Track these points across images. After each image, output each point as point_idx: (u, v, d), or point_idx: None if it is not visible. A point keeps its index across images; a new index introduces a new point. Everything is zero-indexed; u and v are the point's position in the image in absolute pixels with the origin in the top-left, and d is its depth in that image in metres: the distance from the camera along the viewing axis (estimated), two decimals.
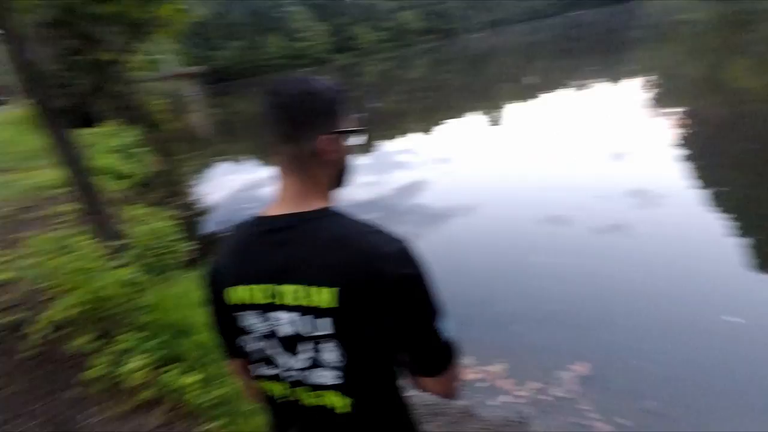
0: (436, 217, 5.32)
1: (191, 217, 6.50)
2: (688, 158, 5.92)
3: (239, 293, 0.86)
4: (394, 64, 32.57)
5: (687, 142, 6.64)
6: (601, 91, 11.91)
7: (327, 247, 0.81)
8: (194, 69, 39.25)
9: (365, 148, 8.65)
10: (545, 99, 12.00)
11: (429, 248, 4.52)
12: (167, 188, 8.26)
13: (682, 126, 7.52)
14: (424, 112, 13.31)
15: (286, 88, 0.86)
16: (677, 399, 2.38)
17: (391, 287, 0.78)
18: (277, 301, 0.82)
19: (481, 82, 17.86)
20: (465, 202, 5.54)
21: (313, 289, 0.80)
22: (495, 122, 10.47)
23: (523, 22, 59.17)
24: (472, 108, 12.24)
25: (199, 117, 22.67)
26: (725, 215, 4.23)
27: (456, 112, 12.04)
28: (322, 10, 49.05)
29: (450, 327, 0.86)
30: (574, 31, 34.48)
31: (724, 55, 13.87)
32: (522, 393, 2.56)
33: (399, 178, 6.96)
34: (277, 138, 0.86)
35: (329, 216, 0.85)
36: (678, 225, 4.23)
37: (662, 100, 9.89)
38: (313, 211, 0.85)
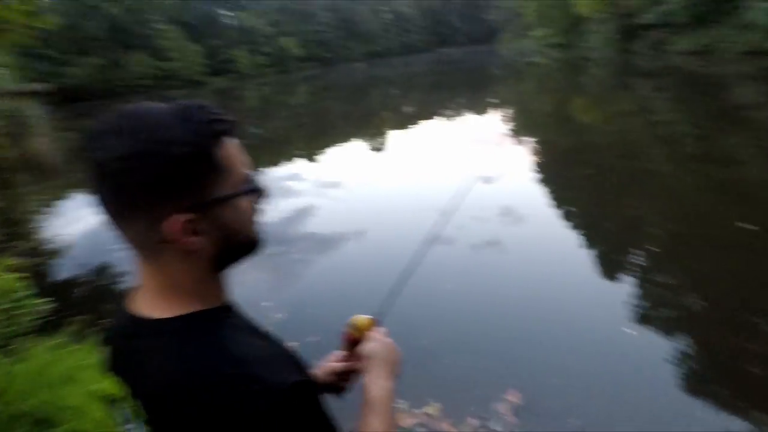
0: (326, 243, 5.30)
1: (40, 264, 5.45)
2: (543, 181, 6.85)
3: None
4: (274, 89, 32.15)
5: (541, 166, 7.66)
6: (468, 120, 13.18)
7: (159, 384, 0.59)
8: (38, 86, 33.97)
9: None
10: (422, 127, 12.88)
11: (321, 275, 4.49)
12: (5, 229, 6.90)
13: (537, 153, 8.67)
14: (309, 138, 13.30)
15: (113, 143, 0.55)
16: (602, 415, 2.51)
17: None
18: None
19: (362, 110, 18.50)
20: (353, 227, 5.62)
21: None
22: (378, 148, 10.90)
23: (398, 56, 63.56)
24: (355, 134, 12.60)
25: (45, 142, 19.66)
26: (575, 230, 4.95)
27: (340, 138, 12.27)
28: (194, 30, 46.51)
29: None
30: (444, 67, 37.83)
31: (566, 93, 16.44)
32: None
33: (286, 205, 6.80)
34: (105, 214, 0.60)
35: (182, 333, 0.60)
36: (542, 239, 4.83)
37: (520, 130, 11.30)
38: (167, 321, 0.61)
